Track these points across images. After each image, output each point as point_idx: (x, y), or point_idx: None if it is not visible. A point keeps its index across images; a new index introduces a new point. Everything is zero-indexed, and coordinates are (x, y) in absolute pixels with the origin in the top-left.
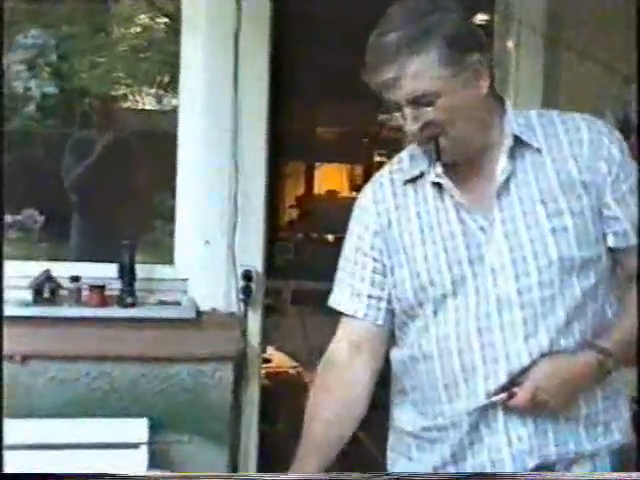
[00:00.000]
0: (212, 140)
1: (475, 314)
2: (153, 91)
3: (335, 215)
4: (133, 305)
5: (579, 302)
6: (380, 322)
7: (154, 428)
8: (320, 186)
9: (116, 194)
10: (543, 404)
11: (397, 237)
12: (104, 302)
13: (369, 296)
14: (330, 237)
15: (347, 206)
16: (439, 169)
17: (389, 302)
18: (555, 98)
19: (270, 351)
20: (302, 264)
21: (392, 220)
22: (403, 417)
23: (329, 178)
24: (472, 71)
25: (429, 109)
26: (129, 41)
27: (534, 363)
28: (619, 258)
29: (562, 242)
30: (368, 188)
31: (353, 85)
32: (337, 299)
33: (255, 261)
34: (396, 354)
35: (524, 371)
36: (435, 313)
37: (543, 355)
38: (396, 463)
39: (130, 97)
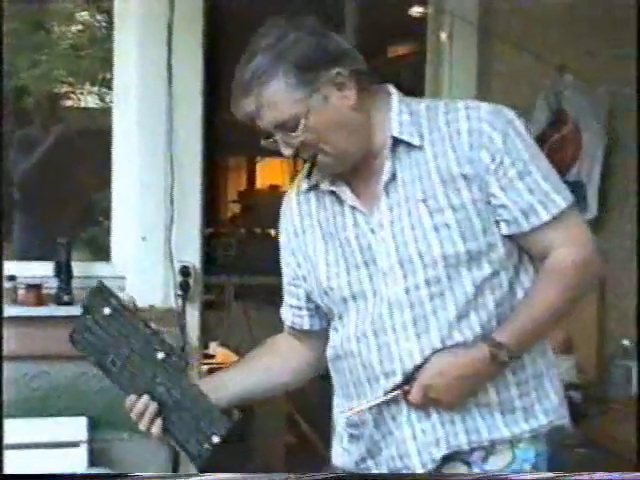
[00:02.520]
0: (147, 136)
1: (371, 316)
2: (95, 89)
3: (277, 210)
4: (70, 303)
5: (472, 295)
6: (306, 328)
7: (94, 426)
8: (262, 181)
9: (54, 192)
10: (435, 401)
11: (304, 246)
12: (41, 301)
13: (290, 306)
14: (272, 232)
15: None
16: (330, 178)
17: (310, 309)
18: (489, 89)
19: (213, 347)
20: (245, 259)
21: (298, 230)
22: (336, 410)
23: (271, 173)
24: (332, 86)
25: (296, 133)
26: (69, 39)
27: (426, 360)
28: (520, 243)
29: (445, 239)
30: (285, 198)
31: None
32: (282, 306)
33: (193, 257)
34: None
35: (417, 369)
36: (340, 316)
37: (435, 352)
38: (335, 452)
39: (72, 95)
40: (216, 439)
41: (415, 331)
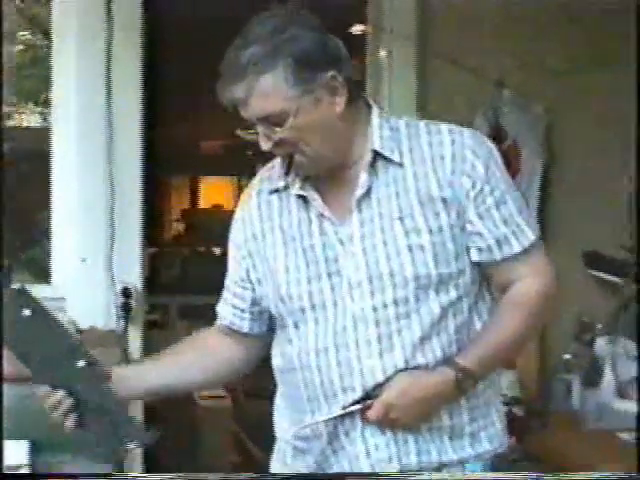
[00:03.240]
0: (86, 155)
1: (332, 329)
2: (38, 109)
3: (221, 228)
4: None
5: (437, 318)
6: (245, 330)
7: (36, 449)
8: (205, 200)
9: None
10: (395, 420)
11: (262, 249)
12: None
13: (233, 306)
14: (217, 251)
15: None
16: (301, 182)
17: (253, 313)
18: (428, 105)
19: None
20: (189, 278)
21: (257, 232)
22: (279, 422)
23: (214, 191)
24: (326, 88)
25: (279, 129)
26: (12, 59)
27: (389, 379)
28: (486, 272)
29: (418, 260)
30: (243, 198)
31: None
32: (219, 308)
33: (134, 277)
34: (272, 360)
35: (378, 387)
36: (296, 326)
37: (398, 371)
38: (274, 468)
39: (15, 115)
40: (131, 446)
41: (379, 349)
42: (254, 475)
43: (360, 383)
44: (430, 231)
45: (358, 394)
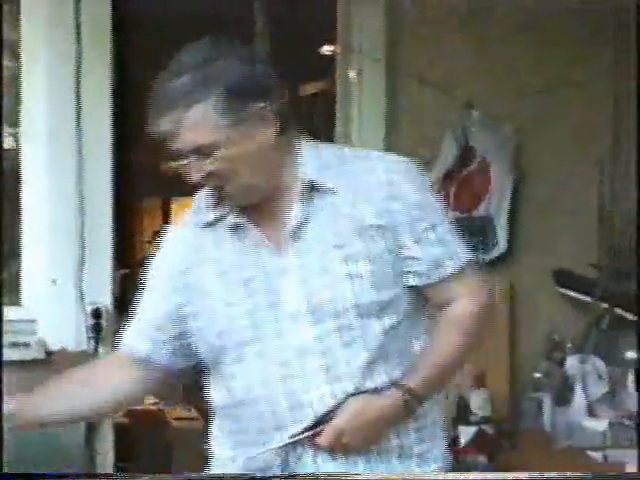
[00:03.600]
0: (56, 177)
1: (277, 362)
2: (10, 130)
3: None
4: None
5: (381, 343)
6: (164, 363)
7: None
8: (177, 221)
9: None
10: (346, 445)
11: (197, 283)
12: None
13: (152, 339)
14: None
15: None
16: (235, 212)
17: (174, 346)
18: (397, 125)
19: None
20: None
21: (190, 266)
22: (220, 455)
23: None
24: (256, 119)
25: (209, 160)
26: None
27: (339, 405)
28: (422, 292)
29: (358, 288)
30: (170, 231)
31: None
32: (126, 337)
33: (105, 298)
34: (210, 396)
35: (329, 413)
36: (239, 359)
37: (348, 397)
38: None
39: None
40: None
41: (326, 378)
42: (252, 475)
43: (312, 413)
44: (368, 258)
45: (309, 422)
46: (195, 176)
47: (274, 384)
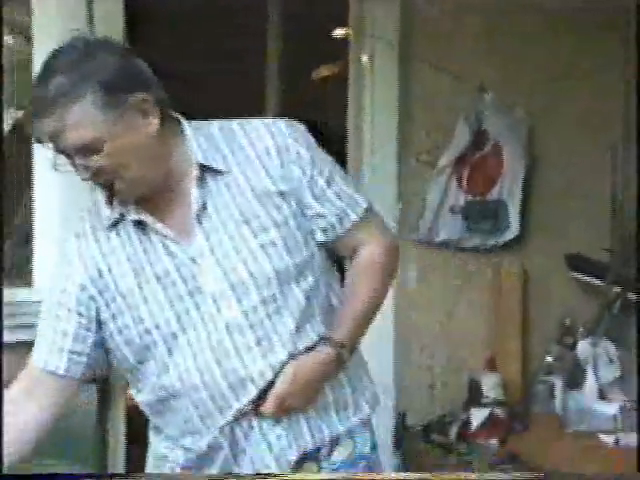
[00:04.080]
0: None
1: (209, 345)
2: (20, 113)
3: None
4: None
5: (304, 305)
6: (78, 375)
7: None
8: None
9: None
10: (292, 408)
11: (112, 285)
12: None
13: (71, 351)
14: None
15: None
16: (134, 208)
17: (90, 356)
18: (410, 110)
19: None
20: None
21: (102, 269)
22: (163, 450)
23: None
24: (137, 111)
25: (97, 157)
26: None
27: (277, 374)
28: (331, 246)
29: (274, 256)
30: (71, 240)
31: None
32: (38, 355)
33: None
34: (138, 398)
35: (271, 384)
36: (170, 352)
37: (284, 364)
38: None
39: None
40: None
41: (260, 351)
42: (253, 475)
43: (254, 388)
44: (276, 225)
45: (252, 396)
46: (84, 174)
47: (211, 368)
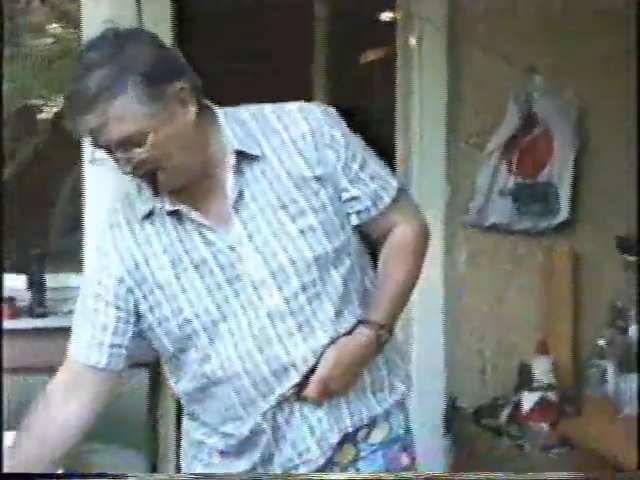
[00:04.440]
0: None
1: (250, 332)
2: None
3: None
4: (44, 315)
5: (343, 289)
6: (119, 367)
7: None
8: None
9: (27, 204)
10: (333, 392)
11: (149, 277)
12: (15, 314)
13: (111, 345)
14: None
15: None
16: (170, 198)
17: (128, 347)
18: (459, 92)
19: None
20: None
21: (139, 261)
22: (200, 437)
23: None
24: (177, 100)
25: (140, 149)
26: (41, 51)
27: (319, 359)
28: (365, 229)
29: (313, 241)
30: (106, 232)
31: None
32: (77, 349)
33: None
34: (177, 387)
35: (313, 369)
36: (211, 340)
37: (325, 349)
38: (194, 468)
39: (46, 108)
40: None
41: (301, 337)
42: (255, 475)
43: (295, 372)
44: (315, 210)
45: (295, 381)
46: (126, 167)
47: (253, 355)
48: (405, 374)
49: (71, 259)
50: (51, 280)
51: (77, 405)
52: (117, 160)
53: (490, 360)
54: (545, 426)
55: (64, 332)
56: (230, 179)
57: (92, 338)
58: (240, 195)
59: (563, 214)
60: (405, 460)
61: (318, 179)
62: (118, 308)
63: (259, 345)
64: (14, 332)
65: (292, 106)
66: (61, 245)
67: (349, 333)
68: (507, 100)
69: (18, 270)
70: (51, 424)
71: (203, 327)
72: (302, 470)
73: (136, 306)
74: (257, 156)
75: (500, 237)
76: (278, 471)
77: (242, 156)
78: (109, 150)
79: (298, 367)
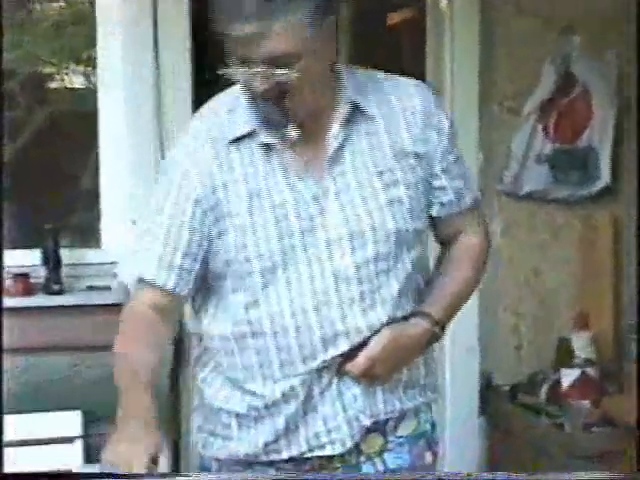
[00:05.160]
0: (134, 114)
1: (311, 289)
2: (80, 68)
3: None
4: (60, 292)
5: (408, 274)
6: (186, 292)
7: (89, 421)
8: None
9: (41, 176)
10: (376, 376)
11: (223, 203)
12: (29, 290)
13: (180, 267)
14: None
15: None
16: (269, 130)
17: (198, 272)
18: (492, 55)
19: None
20: None
21: (217, 185)
22: (220, 395)
23: None
24: (330, 33)
25: (284, 70)
26: (52, 17)
27: (373, 335)
28: (437, 225)
29: (398, 214)
30: (187, 147)
31: None
32: (145, 269)
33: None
34: (214, 329)
35: (364, 344)
36: (265, 286)
37: (383, 326)
38: (210, 444)
39: (56, 76)
40: None
41: (361, 307)
42: (263, 476)
43: (345, 342)
44: (407, 185)
45: (342, 351)
46: (261, 86)
47: (307, 313)
48: (436, 380)
49: (88, 233)
50: (66, 256)
51: (160, 326)
52: (252, 76)
53: (526, 336)
54: (586, 403)
55: (81, 310)
56: (335, 129)
57: (161, 259)
58: (339, 148)
59: (604, 180)
60: (429, 458)
61: (417, 156)
62: (192, 230)
63: (316, 305)
64: (28, 310)
65: (405, 80)
66: (77, 219)
67: (404, 320)
68: (543, 62)
69: (32, 245)
70: (140, 347)
71: (261, 270)
72: (328, 450)
73: (209, 230)
74: (367, 115)
75: (536, 206)
76: (303, 447)
77: (354, 110)
78: (249, 64)
79: (350, 337)
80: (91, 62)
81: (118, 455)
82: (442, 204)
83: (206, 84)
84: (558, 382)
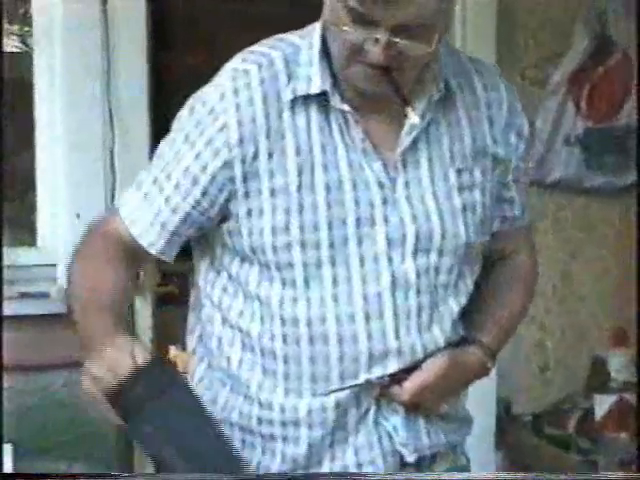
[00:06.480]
0: (77, 85)
1: (362, 293)
2: (14, 28)
3: None
4: None
5: (469, 292)
6: (169, 259)
7: (22, 455)
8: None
9: None
10: (423, 405)
11: (264, 174)
12: None
13: (174, 233)
14: None
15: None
16: (341, 95)
17: (183, 239)
18: (514, 12)
19: (174, 352)
20: None
21: (260, 151)
22: (229, 404)
23: None
24: (450, 11)
25: (411, 42)
26: None
27: (426, 359)
28: (491, 242)
29: (470, 224)
30: (232, 95)
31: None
32: (138, 220)
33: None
34: (241, 322)
35: (415, 367)
36: (306, 282)
37: (438, 350)
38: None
39: None
40: None
41: (417, 323)
42: (254, 475)
43: (396, 362)
44: (483, 191)
45: (390, 371)
46: (382, 55)
47: (355, 322)
48: (470, 416)
49: (21, 228)
50: None
51: (123, 274)
52: (377, 41)
53: (553, 354)
54: (623, 436)
55: (13, 322)
56: (420, 109)
57: (156, 216)
58: (421, 131)
59: None
60: None
61: (495, 159)
62: (204, 194)
63: (368, 313)
64: None
65: (491, 66)
66: (8, 210)
67: (456, 346)
68: (574, 22)
69: None
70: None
71: (303, 262)
72: None
73: (227, 201)
74: (453, 99)
75: (565, 197)
76: None
77: (443, 90)
78: (375, 26)
79: (403, 357)
80: (27, 20)
81: (99, 369)
82: (505, 218)
83: (168, 48)
84: (591, 410)
